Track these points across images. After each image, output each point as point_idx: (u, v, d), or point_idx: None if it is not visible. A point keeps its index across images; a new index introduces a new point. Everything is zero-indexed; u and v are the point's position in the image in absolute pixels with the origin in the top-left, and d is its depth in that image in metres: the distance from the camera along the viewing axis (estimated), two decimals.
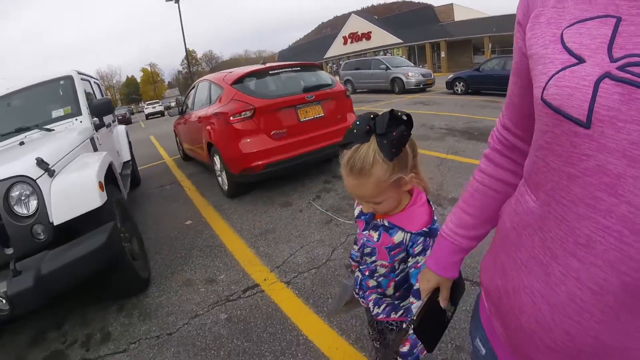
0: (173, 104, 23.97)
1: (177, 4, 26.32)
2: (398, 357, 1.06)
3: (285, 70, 4.39)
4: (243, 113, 3.74)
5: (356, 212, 1.24)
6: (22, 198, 2.13)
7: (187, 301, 2.51)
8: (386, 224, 1.09)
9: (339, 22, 48.10)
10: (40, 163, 2.23)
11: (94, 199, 2.24)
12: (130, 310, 2.53)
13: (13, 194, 2.10)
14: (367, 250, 1.18)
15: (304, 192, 4.28)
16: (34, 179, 2.16)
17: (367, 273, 1.23)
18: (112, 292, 2.64)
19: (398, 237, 1.08)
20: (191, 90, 5.87)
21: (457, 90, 13.96)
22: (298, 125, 4.02)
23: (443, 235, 0.83)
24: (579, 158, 0.44)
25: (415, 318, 0.87)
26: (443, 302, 0.88)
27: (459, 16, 31.21)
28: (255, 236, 3.30)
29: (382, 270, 1.18)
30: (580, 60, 0.43)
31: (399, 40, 32.68)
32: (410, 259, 1.10)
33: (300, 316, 2.18)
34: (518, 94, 0.65)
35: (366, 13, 38.05)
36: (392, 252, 1.11)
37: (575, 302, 0.47)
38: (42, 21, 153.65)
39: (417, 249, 1.06)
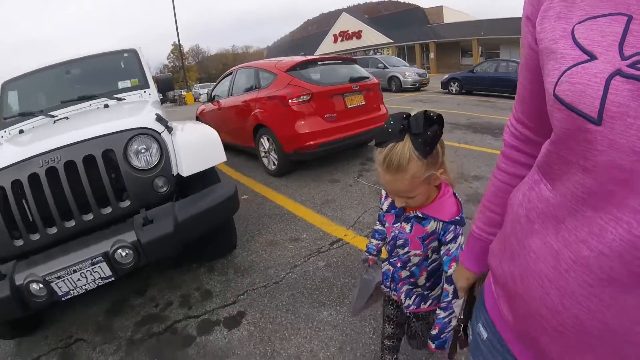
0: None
1: None
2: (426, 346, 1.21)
3: (330, 62, 4.91)
4: (302, 97, 4.18)
5: (385, 206, 1.32)
6: (143, 151, 2.17)
7: (280, 256, 2.89)
8: (420, 214, 1.17)
9: (324, 20, 48.19)
10: (160, 119, 2.35)
11: (220, 155, 2.47)
12: (223, 270, 2.79)
13: (134, 147, 2.15)
14: (400, 242, 1.25)
15: (346, 171, 4.77)
16: (159, 132, 2.26)
17: (399, 265, 1.30)
18: (207, 252, 2.85)
19: (431, 226, 1.16)
20: (225, 77, 6.22)
21: (452, 90, 14.65)
22: (345, 111, 4.50)
23: (474, 235, 0.87)
24: (592, 153, 0.45)
25: (462, 316, 0.92)
26: (479, 294, 0.91)
27: (448, 18, 32.08)
28: (318, 205, 3.74)
29: (415, 260, 1.25)
30: (592, 56, 0.44)
31: (389, 40, 33.35)
32: (442, 247, 1.18)
33: None
34: (529, 89, 0.66)
35: (354, 11, 38.44)
36: (426, 241, 1.19)
37: (584, 287, 0.48)
38: (17, 11, 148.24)
39: (449, 237, 1.15)
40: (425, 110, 0.95)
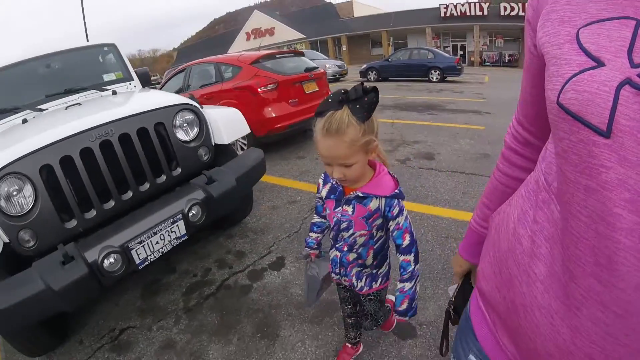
0: None
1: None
2: (393, 318, 1.32)
3: (286, 55, 5.55)
4: (269, 85, 4.74)
5: (323, 193, 1.32)
6: (187, 124, 2.38)
7: (287, 215, 3.43)
8: (360, 194, 1.19)
9: (231, 18, 47.89)
10: (192, 98, 2.61)
11: (245, 127, 2.83)
12: (243, 234, 3.16)
13: (180, 120, 2.33)
14: (344, 225, 1.26)
15: (307, 148, 5.47)
16: (199, 107, 2.46)
17: (345, 248, 1.32)
18: (228, 220, 3.19)
19: (373, 204, 1.19)
20: (174, 75, 6.48)
21: (370, 78, 16.00)
22: (304, 96, 5.16)
23: (471, 227, 0.90)
24: (597, 170, 0.40)
25: (454, 299, 0.96)
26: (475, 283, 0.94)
27: (358, 12, 33.88)
28: (297, 175, 4.37)
29: (361, 240, 1.28)
30: (600, 63, 0.41)
31: (302, 36, 34.29)
32: (390, 222, 1.22)
33: None
34: (530, 92, 0.65)
35: (266, 8, 38.91)
36: (370, 220, 1.22)
37: (599, 325, 0.44)
38: None
39: (395, 211, 1.19)
40: (362, 82, 1.04)
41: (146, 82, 3.73)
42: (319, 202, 1.44)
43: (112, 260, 1.82)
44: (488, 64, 26.61)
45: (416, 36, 28.95)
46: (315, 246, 1.54)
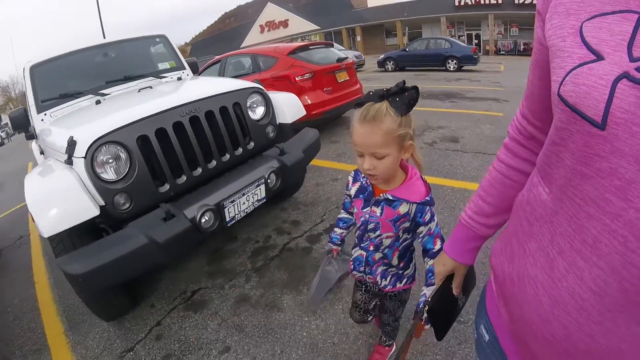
0: None
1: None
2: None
3: (318, 46, 5.98)
4: (306, 75, 5.15)
5: (352, 191, 1.32)
6: (255, 105, 2.68)
7: (332, 190, 3.84)
8: (390, 197, 1.19)
9: (242, 12, 47.97)
10: (259, 82, 2.95)
11: (302, 109, 3.12)
12: (295, 207, 3.55)
13: (251, 101, 2.64)
14: (371, 226, 1.27)
15: (341, 133, 5.89)
16: (265, 91, 2.77)
17: (371, 248, 1.33)
18: (283, 193, 3.49)
19: (403, 208, 1.20)
20: (211, 65, 6.88)
21: (388, 68, 16.26)
22: (337, 85, 5.56)
23: (462, 221, 0.86)
24: (592, 158, 0.43)
25: (429, 300, 0.93)
26: (455, 289, 0.92)
27: (372, 2, 33.85)
28: (334, 157, 4.79)
29: (387, 242, 1.29)
30: (599, 57, 0.42)
31: (316, 27, 34.46)
32: (422, 228, 1.23)
33: None
34: (537, 85, 0.64)
35: (279, 1, 39.05)
36: (398, 223, 1.22)
37: (575, 299, 0.48)
38: None
39: (427, 217, 1.20)
40: (404, 80, 1.06)
41: (195, 71, 3.97)
42: (347, 199, 1.45)
43: (207, 217, 2.07)
44: (503, 52, 26.49)
45: (430, 25, 28.93)
46: (339, 242, 1.54)
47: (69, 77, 3.27)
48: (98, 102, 2.96)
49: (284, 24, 36.90)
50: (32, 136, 3.18)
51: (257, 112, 2.72)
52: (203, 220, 2.05)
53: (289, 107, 3.01)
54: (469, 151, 4.58)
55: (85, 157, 1.91)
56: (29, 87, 3.03)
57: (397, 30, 30.76)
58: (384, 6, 31.93)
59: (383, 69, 16.33)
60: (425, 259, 1.26)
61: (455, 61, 14.37)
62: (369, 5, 33.67)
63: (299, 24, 35.58)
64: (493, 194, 0.79)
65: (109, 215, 2.00)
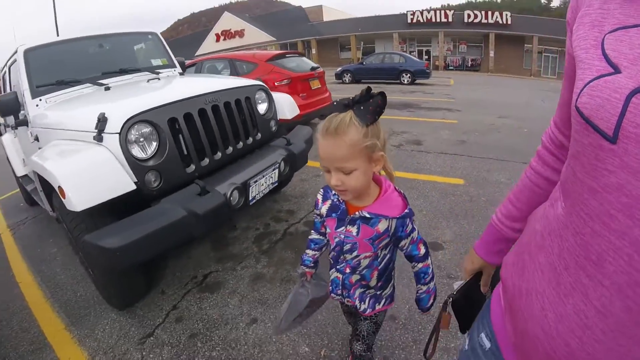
0: None
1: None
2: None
3: (292, 56, 6.41)
4: (284, 80, 5.52)
5: (323, 210, 1.23)
6: (260, 101, 2.85)
7: (317, 184, 4.20)
8: (367, 215, 1.11)
9: (195, 19, 47.71)
10: (260, 80, 3.10)
11: (296, 108, 3.45)
12: (285, 199, 3.80)
13: (258, 96, 2.83)
14: (347, 247, 1.19)
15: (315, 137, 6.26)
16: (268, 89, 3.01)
17: (348, 270, 1.25)
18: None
19: (382, 225, 1.12)
20: (187, 67, 7.09)
21: (345, 80, 16.98)
22: (311, 92, 6.00)
23: (492, 223, 0.88)
24: (601, 173, 0.43)
25: (455, 293, 0.93)
26: (484, 287, 0.94)
27: (327, 17, 34.97)
28: (314, 156, 5.06)
29: (365, 262, 1.21)
30: (616, 70, 0.42)
31: (272, 38, 34.96)
32: (403, 240, 1.18)
33: None
34: (566, 95, 0.64)
35: (235, 10, 39.26)
36: (377, 241, 1.15)
37: (580, 316, 0.47)
38: None
39: (408, 229, 1.15)
40: (369, 86, 1.01)
41: (183, 70, 4.00)
42: (318, 219, 1.35)
43: (235, 194, 2.20)
44: (451, 68, 28.37)
45: (383, 41, 30.41)
46: (312, 265, 1.45)
47: (63, 64, 3.23)
48: (107, 88, 3.01)
49: (240, 33, 37.04)
50: (21, 122, 3.02)
51: (262, 107, 2.92)
52: (232, 197, 2.17)
53: (287, 105, 3.32)
54: (432, 152, 5.15)
55: (120, 133, 1.96)
56: (23, 71, 2.98)
57: (352, 45, 32.01)
58: (339, 21, 33.14)
59: (340, 80, 17.01)
60: (413, 262, 1.24)
61: (409, 75, 15.34)
62: (325, 19, 34.76)
63: (255, 35, 35.90)
64: (522, 200, 0.81)
65: (138, 192, 2.02)
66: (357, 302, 1.31)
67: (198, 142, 2.32)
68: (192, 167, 2.27)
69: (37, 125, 2.74)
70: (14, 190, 5.63)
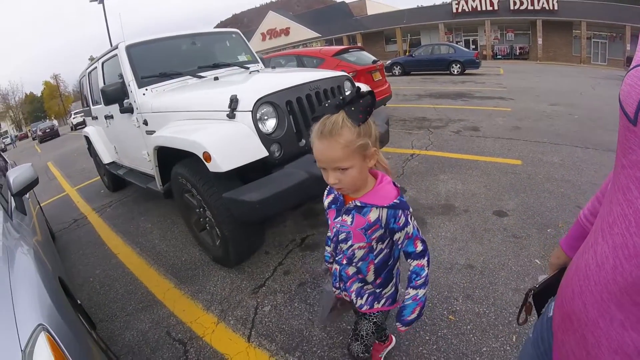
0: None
1: (101, 4, 25.83)
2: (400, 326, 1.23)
3: (355, 50, 6.95)
4: (351, 73, 6.04)
5: (325, 203, 1.31)
6: (347, 89, 3.02)
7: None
8: (358, 204, 1.16)
9: (236, 20, 48.83)
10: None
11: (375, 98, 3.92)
12: None
13: (345, 85, 3.03)
14: (342, 236, 1.23)
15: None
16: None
17: (344, 261, 1.28)
18: None
19: (373, 214, 1.15)
20: None
21: (395, 72, 17.26)
22: (373, 83, 6.49)
23: (578, 219, 0.90)
24: (627, 151, 0.47)
25: (538, 286, 0.94)
26: None
27: (371, 10, 35.06)
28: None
29: (360, 253, 1.23)
30: None
31: (317, 35, 35.51)
32: (397, 234, 1.18)
33: None
34: None
35: (280, 9, 40.18)
36: (369, 232, 1.17)
37: (586, 269, 0.55)
38: None
39: (401, 222, 1.15)
40: (358, 86, 1.06)
41: (265, 66, 4.40)
42: (326, 213, 1.39)
43: None
44: (500, 57, 27.71)
45: (429, 32, 30.16)
46: (332, 260, 1.46)
47: (161, 59, 3.60)
48: (216, 78, 3.41)
49: (285, 31, 37.87)
50: (126, 110, 3.38)
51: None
52: None
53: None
54: (490, 137, 5.51)
55: (252, 111, 2.35)
56: (127, 64, 3.35)
57: (397, 37, 31.99)
58: (383, 14, 33.15)
59: (390, 73, 17.31)
60: (409, 260, 1.22)
61: (459, 65, 15.41)
62: (369, 13, 34.87)
63: (300, 32, 36.58)
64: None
65: (262, 161, 2.37)
66: (353, 297, 1.34)
67: (306, 121, 2.60)
68: (303, 141, 2.61)
69: (147, 110, 3.16)
70: (91, 180, 6.53)
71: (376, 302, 1.33)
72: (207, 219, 2.69)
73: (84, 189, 6.15)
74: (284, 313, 2.21)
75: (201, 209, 2.70)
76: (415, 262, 1.20)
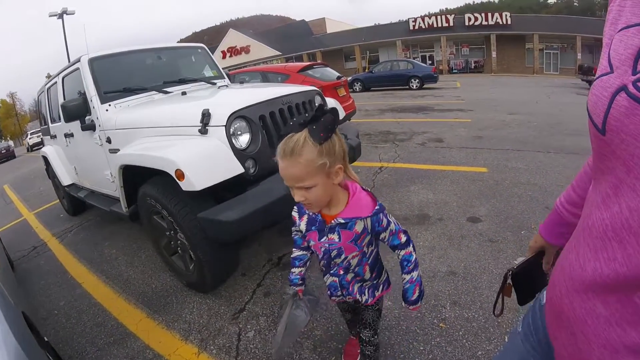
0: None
1: (60, 20, 24.70)
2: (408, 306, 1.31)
3: (319, 66, 7.00)
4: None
5: (302, 227, 1.30)
6: (317, 104, 2.99)
7: None
8: (342, 220, 1.18)
9: (197, 38, 48.87)
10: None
11: (343, 112, 3.72)
12: None
13: (315, 99, 3.06)
14: (334, 253, 1.25)
15: None
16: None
17: (341, 272, 1.33)
18: None
19: (359, 226, 1.19)
20: None
21: (356, 88, 17.63)
22: (338, 99, 6.51)
23: (555, 207, 0.94)
24: (602, 158, 0.50)
25: (515, 268, 0.97)
26: (545, 265, 1.00)
27: (330, 29, 35.78)
28: None
29: (355, 261, 1.29)
30: (612, 69, 0.46)
31: (278, 52, 35.75)
32: (383, 234, 1.25)
33: None
34: None
35: (240, 27, 40.23)
36: (358, 241, 1.23)
37: (570, 270, 0.58)
38: None
39: (384, 223, 1.22)
40: (320, 103, 1.20)
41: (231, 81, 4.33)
42: (298, 235, 1.41)
43: None
44: (456, 71, 28.95)
45: (387, 49, 31.16)
46: (301, 282, 1.48)
47: (124, 73, 3.44)
48: (184, 93, 3.32)
49: (246, 49, 37.80)
50: (88, 127, 3.19)
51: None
52: None
53: (337, 109, 3.85)
54: (454, 147, 5.68)
55: (225, 126, 2.25)
56: (89, 78, 3.14)
57: (356, 54, 32.80)
58: (342, 32, 33.98)
59: (351, 89, 17.63)
60: (396, 251, 1.30)
61: (417, 80, 15.99)
62: (329, 31, 35.58)
63: (261, 50, 36.64)
64: (582, 187, 0.85)
65: (237, 178, 2.26)
66: (358, 296, 1.39)
67: (279, 136, 2.73)
68: None
69: (110, 127, 2.98)
70: (50, 203, 6.16)
71: (376, 291, 1.41)
72: (179, 241, 2.52)
73: (42, 213, 5.78)
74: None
75: (172, 232, 2.53)
76: (403, 251, 1.28)
